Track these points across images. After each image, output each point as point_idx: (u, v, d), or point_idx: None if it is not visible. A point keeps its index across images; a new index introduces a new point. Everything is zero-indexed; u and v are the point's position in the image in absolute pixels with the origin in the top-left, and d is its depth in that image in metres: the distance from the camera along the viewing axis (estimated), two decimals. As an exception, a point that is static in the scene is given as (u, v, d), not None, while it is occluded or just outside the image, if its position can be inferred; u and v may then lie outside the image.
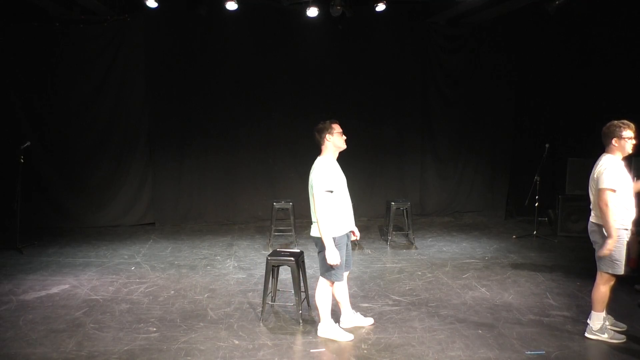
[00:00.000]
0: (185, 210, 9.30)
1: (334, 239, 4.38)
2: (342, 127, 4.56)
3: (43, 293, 5.73)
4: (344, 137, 4.55)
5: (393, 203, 7.84)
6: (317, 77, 9.32)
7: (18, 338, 4.58)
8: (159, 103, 8.99)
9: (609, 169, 4.32)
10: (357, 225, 4.77)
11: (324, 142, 4.48)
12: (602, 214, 4.29)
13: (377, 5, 8.21)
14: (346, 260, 4.56)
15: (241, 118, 9.20)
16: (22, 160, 7.45)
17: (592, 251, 4.64)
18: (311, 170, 4.48)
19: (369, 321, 4.89)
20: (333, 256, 4.31)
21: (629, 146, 4.41)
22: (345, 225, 4.51)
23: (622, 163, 4.46)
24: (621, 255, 4.40)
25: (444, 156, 9.96)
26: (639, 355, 4.28)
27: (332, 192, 4.37)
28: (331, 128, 4.47)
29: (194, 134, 9.14)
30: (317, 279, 4.61)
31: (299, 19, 8.61)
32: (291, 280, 5.01)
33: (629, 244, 6.18)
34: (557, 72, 9.44)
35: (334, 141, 4.48)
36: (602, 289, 4.54)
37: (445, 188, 10.04)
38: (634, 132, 4.43)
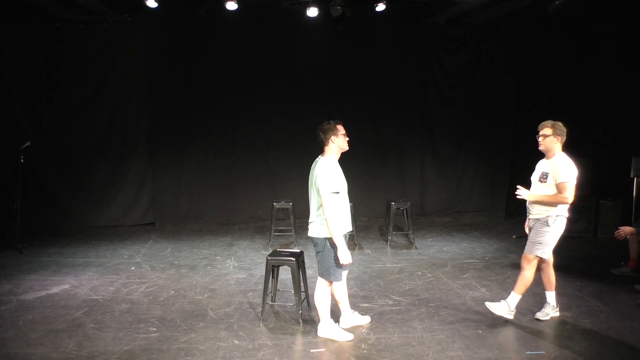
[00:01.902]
0: (185, 210, 9.30)
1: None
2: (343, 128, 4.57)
3: (43, 293, 5.74)
4: (347, 138, 4.55)
5: (393, 203, 7.83)
6: (317, 77, 9.31)
7: (18, 338, 4.58)
8: (159, 103, 8.99)
9: None
10: (357, 225, 4.78)
11: (328, 143, 4.47)
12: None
13: (377, 5, 8.20)
14: None
15: (241, 118, 9.19)
16: (22, 161, 7.45)
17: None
18: (313, 170, 4.48)
19: (366, 319, 4.92)
20: (344, 255, 4.33)
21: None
22: (345, 226, 4.52)
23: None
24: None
25: (444, 156, 9.95)
26: (638, 355, 4.28)
27: (338, 193, 4.38)
28: (336, 129, 4.45)
29: (194, 133, 9.14)
30: (317, 278, 4.62)
31: (299, 19, 8.61)
32: (291, 280, 5.01)
33: (630, 244, 6.24)
34: (557, 72, 9.44)
35: (338, 143, 4.48)
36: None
37: (445, 188, 10.03)
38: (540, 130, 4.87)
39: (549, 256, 4.91)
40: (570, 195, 4.68)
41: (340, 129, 4.48)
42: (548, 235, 4.82)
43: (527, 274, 4.86)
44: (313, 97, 9.25)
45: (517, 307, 4.96)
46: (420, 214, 9.82)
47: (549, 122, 4.87)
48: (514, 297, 4.93)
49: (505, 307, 4.92)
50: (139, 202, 9.17)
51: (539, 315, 5.01)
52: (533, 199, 4.84)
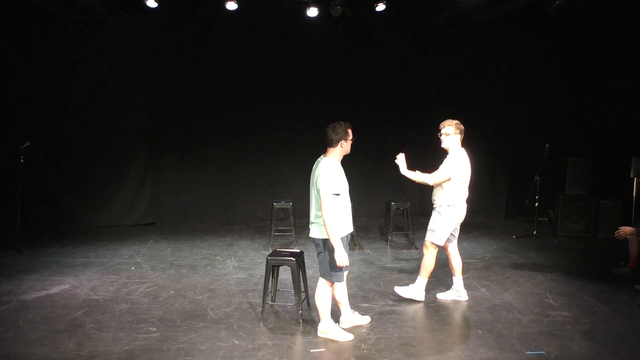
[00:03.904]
0: (185, 210, 9.29)
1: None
2: None
3: (43, 293, 5.73)
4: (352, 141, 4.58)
5: (393, 203, 7.83)
6: (317, 77, 9.31)
7: (18, 338, 4.58)
8: (159, 103, 8.98)
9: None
10: (357, 225, 4.77)
11: (335, 145, 4.47)
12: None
13: (377, 5, 8.20)
14: None
15: (241, 117, 9.19)
16: (22, 161, 7.45)
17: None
18: (315, 170, 4.47)
19: (366, 319, 4.92)
20: (342, 257, 4.32)
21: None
22: (346, 227, 4.52)
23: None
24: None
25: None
26: (638, 355, 4.29)
27: (339, 195, 4.38)
28: (347, 134, 4.46)
29: (193, 133, 9.14)
30: (317, 279, 4.62)
31: (299, 19, 8.61)
32: (291, 280, 5.01)
33: (630, 244, 6.24)
34: (557, 72, 9.44)
35: (345, 148, 4.51)
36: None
37: (445, 188, 10.01)
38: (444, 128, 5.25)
39: (443, 243, 5.27)
40: (434, 177, 5.28)
41: (350, 134, 4.50)
42: (440, 223, 5.25)
43: (425, 259, 5.30)
44: (313, 97, 9.25)
45: (426, 290, 5.42)
46: (420, 214, 9.77)
47: (451, 121, 5.24)
48: (421, 280, 5.35)
49: (413, 290, 5.30)
50: (139, 202, 9.17)
51: (440, 295, 5.50)
52: (406, 173, 5.38)
